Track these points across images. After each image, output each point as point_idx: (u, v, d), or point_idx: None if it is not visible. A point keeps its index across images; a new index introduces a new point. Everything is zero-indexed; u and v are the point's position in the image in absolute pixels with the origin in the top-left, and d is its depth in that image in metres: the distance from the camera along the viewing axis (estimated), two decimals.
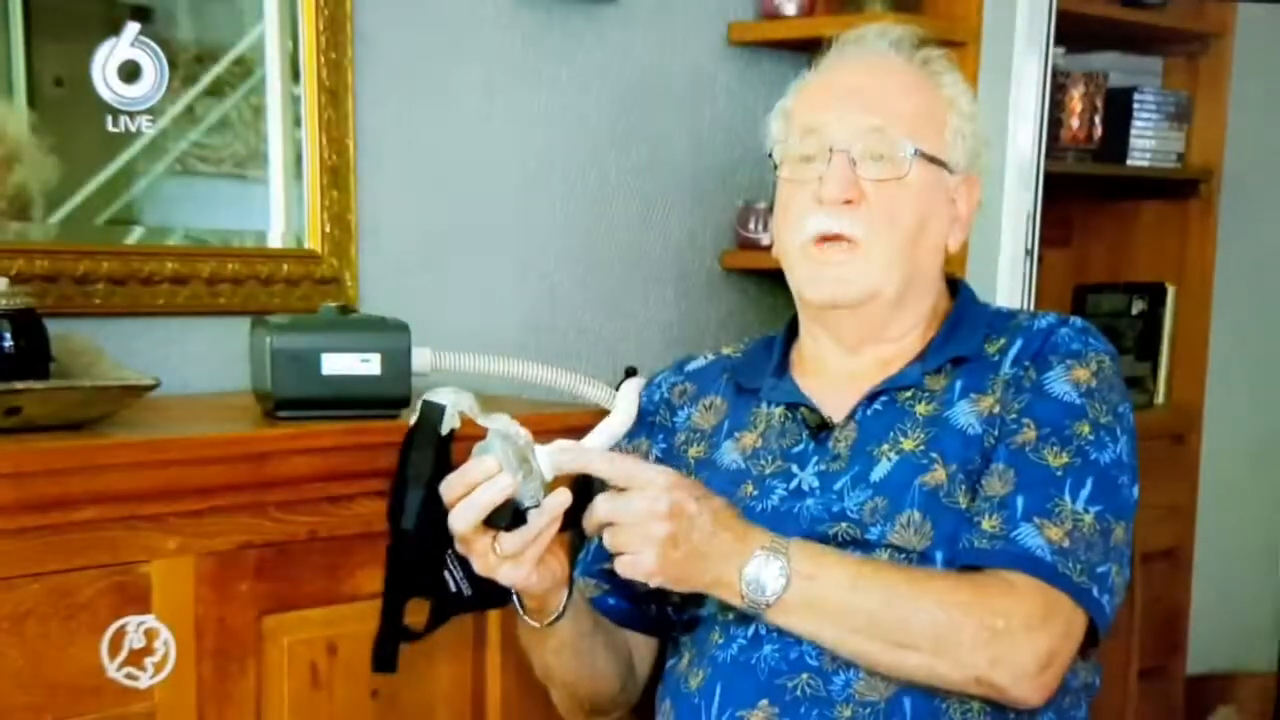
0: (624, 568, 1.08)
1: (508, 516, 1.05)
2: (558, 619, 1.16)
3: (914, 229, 1.19)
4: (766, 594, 1.08)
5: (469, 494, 1.05)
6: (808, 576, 1.08)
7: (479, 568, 1.09)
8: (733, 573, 1.08)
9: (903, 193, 1.18)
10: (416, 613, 1.14)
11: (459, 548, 1.09)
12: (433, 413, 1.08)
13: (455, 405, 1.08)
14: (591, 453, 1.09)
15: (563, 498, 1.07)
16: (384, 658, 1.13)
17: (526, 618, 1.16)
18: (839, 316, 1.23)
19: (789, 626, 1.11)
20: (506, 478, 1.04)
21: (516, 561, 1.07)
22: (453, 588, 1.13)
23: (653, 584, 1.08)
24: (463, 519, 1.05)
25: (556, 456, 1.07)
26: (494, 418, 1.06)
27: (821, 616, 1.09)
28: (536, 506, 1.06)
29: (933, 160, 1.20)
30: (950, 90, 1.23)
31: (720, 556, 1.08)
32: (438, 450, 1.08)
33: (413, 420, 1.09)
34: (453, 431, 1.09)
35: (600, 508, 1.08)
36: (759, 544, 1.09)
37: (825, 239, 1.19)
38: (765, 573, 1.08)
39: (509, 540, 1.06)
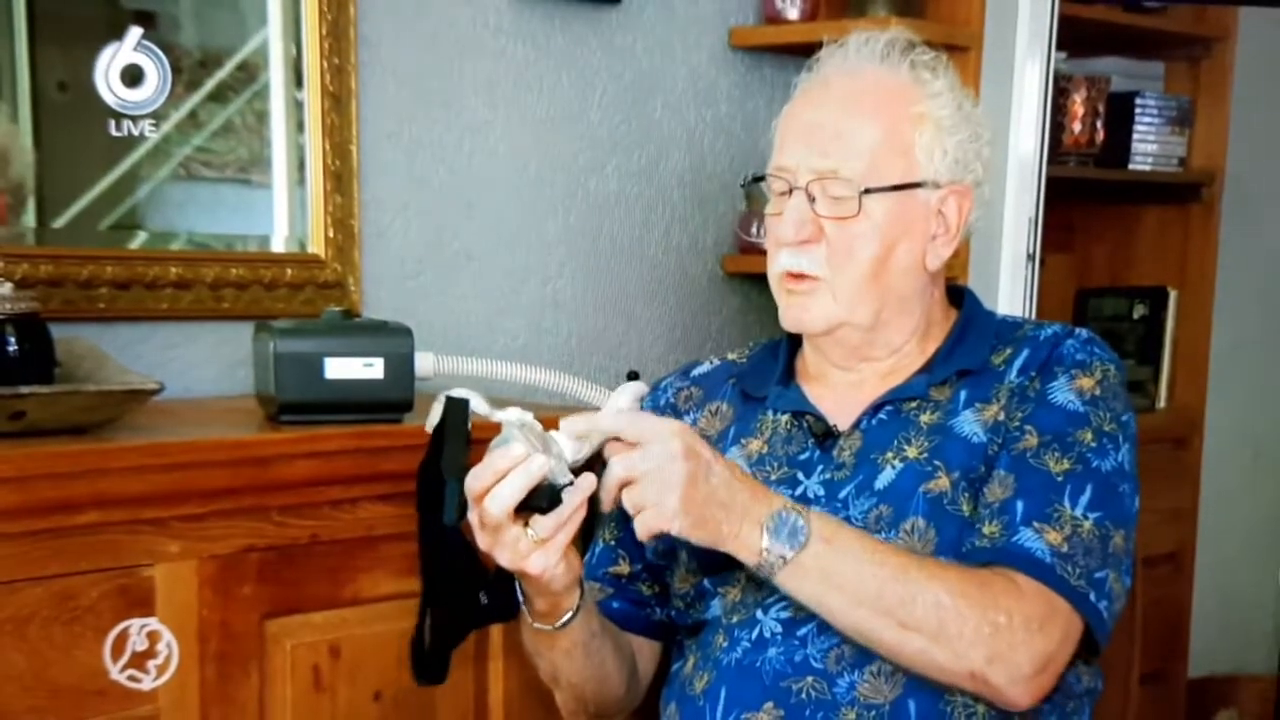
0: (647, 519, 1.06)
1: (547, 497, 1.05)
2: (573, 618, 1.15)
3: (875, 262, 1.19)
4: (784, 551, 1.07)
5: (499, 482, 1.04)
6: (825, 540, 1.08)
7: (507, 560, 1.08)
8: (753, 525, 1.07)
9: (862, 227, 1.18)
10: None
11: (482, 544, 1.08)
12: (458, 406, 1.07)
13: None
14: (600, 415, 1.08)
15: (591, 480, 1.06)
16: (435, 668, 1.13)
17: (538, 623, 1.16)
18: (817, 341, 1.24)
19: (797, 591, 1.10)
20: (540, 457, 1.04)
21: (547, 548, 1.07)
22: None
23: (675, 529, 1.06)
24: (500, 503, 1.04)
25: (571, 438, 1.07)
26: (505, 410, 1.07)
27: (832, 584, 1.08)
28: (570, 484, 1.05)
29: (900, 188, 1.19)
30: (928, 104, 1.20)
31: (740, 508, 1.07)
32: (467, 441, 1.07)
33: (434, 418, 1.08)
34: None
35: (615, 468, 1.06)
36: (781, 503, 1.09)
37: (791, 275, 1.20)
38: (785, 530, 1.07)
39: (544, 523, 1.06)
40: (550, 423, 1.09)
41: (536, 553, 1.07)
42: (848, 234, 1.18)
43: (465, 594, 1.13)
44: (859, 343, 1.23)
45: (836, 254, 1.19)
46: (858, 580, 1.08)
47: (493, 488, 1.04)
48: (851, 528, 1.12)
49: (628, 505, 1.07)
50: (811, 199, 1.19)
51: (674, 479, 1.05)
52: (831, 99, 1.22)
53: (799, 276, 1.20)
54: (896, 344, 1.24)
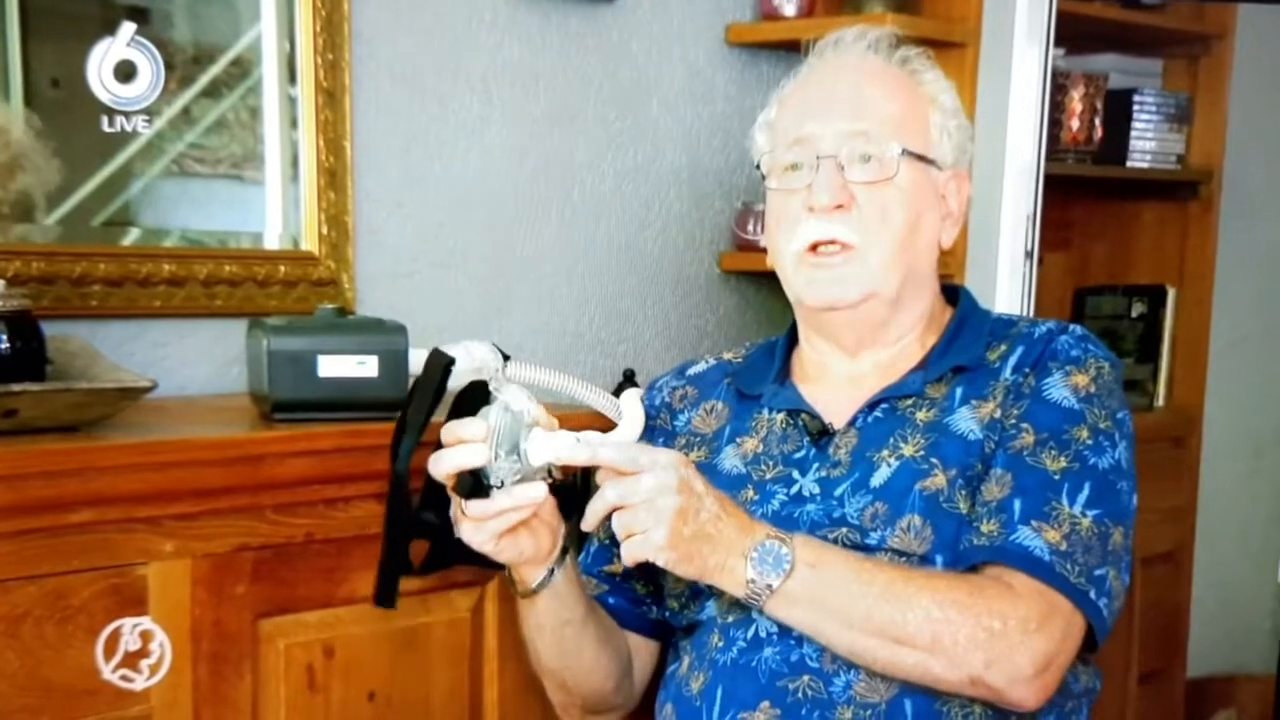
0: (633, 548, 1.08)
1: (467, 488, 1.08)
2: (531, 594, 1.17)
3: (907, 228, 1.20)
4: (770, 580, 1.07)
5: (446, 449, 1.08)
6: (810, 565, 1.09)
7: (451, 515, 1.12)
8: (738, 558, 1.08)
9: (893, 193, 1.19)
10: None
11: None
12: (438, 362, 1.11)
13: (484, 363, 1.11)
14: (597, 445, 1.10)
15: (536, 491, 1.09)
16: (384, 593, 1.17)
17: (512, 586, 1.20)
18: (837, 319, 1.23)
19: (788, 618, 1.10)
20: (481, 450, 1.06)
21: (477, 528, 1.10)
22: (457, 534, 1.15)
23: (660, 561, 1.08)
24: (434, 468, 1.09)
25: (560, 449, 1.07)
26: (509, 388, 1.08)
27: (821, 608, 1.09)
28: (500, 486, 1.07)
29: (920, 158, 1.20)
30: (931, 88, 1.24)
31: (726, 541, 1.08)
32: (435, 397, 1.12)
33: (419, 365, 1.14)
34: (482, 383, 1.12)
35: (608, 493, 1.08)
36: (764, 533, 1.09)
37: (819, 244, 1.19)
38: (770, 560, 1.08)
39: (471, 505, 1.09)
40: (564, 419, 1.10)
41: (465, 524, 1.11)
42: (880, 199, 1.19)
43: (424, 534, 1.17)
44: (878, 321, 1.22)
45: (870, 219, 1.18)
46: (847, 602, 1.08)
47: (440, 452, 1.08)
48: (837, 550, 1.12)
49: (617, 530, 1.09)
50: (841, 167, 1.18)
51: (665, 512, 1.06)
52: (848, 75, 1.23)
53: (829, 245, 1.19)
54: (906, 327, 1.24)
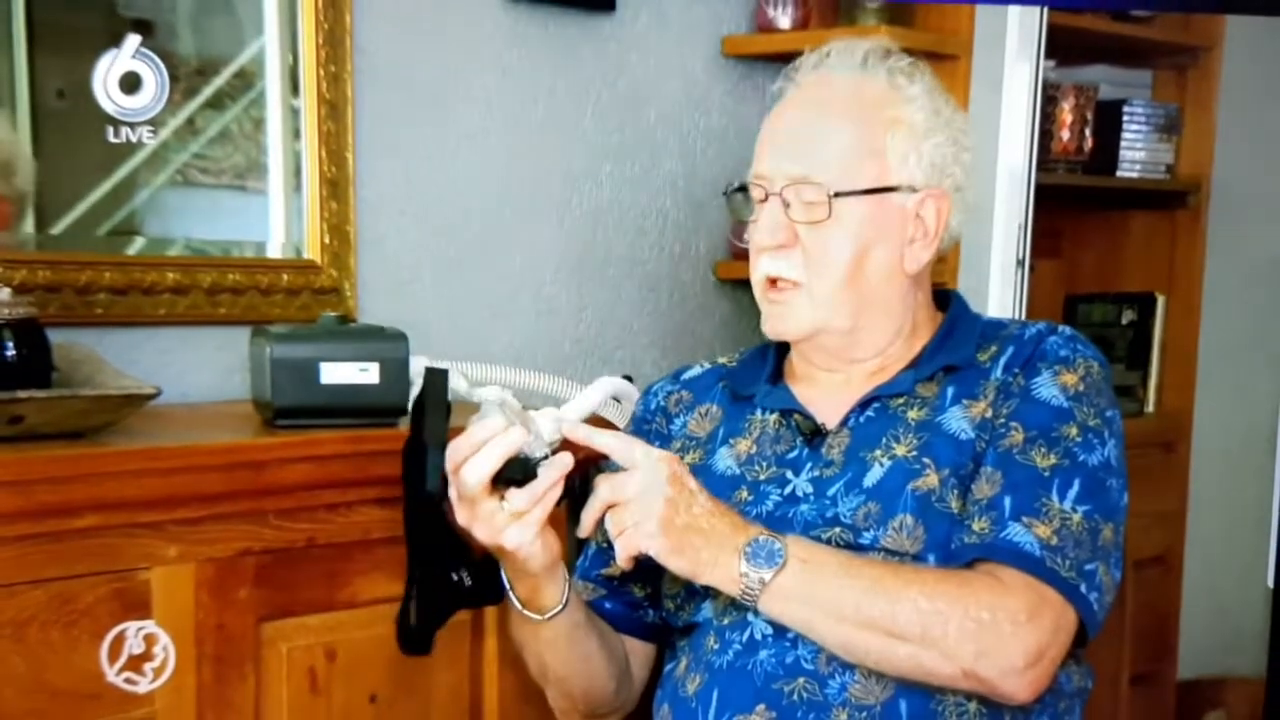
0: (626, 541, 1.09)
1: (521, 470, 1.07)
2: (560, 611, 1.18)
3: (851, 265, 1.21)
4: (763, 574, 1.09)
5: (477, 453, 1.07)
6: (802, 560, 1.10)
7: (484, 534, 1.10)
8: (731, 553, 1.10)
9: (834, 231, 1.20)
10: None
11: (461, 519, 1.11)
12: (438, 377, 1.10)
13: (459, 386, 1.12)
14: (597, 431, 1.12)
15: (568, 458, 1.09)
16: (419, 638, 1.16)
17: (524, 611, 1.18)
18: (801, 346, 1.26)
19: (781, 615, 1.12)
20: (518, 430, 1.06)
21: (523, 522, 1.09)
22: (454, 578, 1.15)
23: (652, 551, 1.09)
24: (475, 473, 1.06)
25: (563, 423, 1.10)
26: (484, 389, 1.09)
27: (813, 604, 1.11)
28: (546, 458, 1.08)
29: (872, 191, 1.21)
30: (900, 110, 1.22)
31: (719, 536, 1.10)
32: (448, 411, 1.10)
33: (415, 391, 1.12)
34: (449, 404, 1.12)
35: (602, 490, 1.10)
36: (756, 531, 1.12)
37: (769, 282, 1.22)
38: (763, 554, 1.10)
39: (519, 496, 1.08)
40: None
41: (512, 527, 1.09)
42: (821, 238, 1.20)
43: (445, 572, 1.16)
44: (839, 346, 1.25)
45: (811, 258, 1.21)
46: (838, 595, 1.10)
47: (470, 458, 1.07)
48: (828, 548, 1.14)
49: (610, 527, 1.10)
50: (786, 204, 1.21)
51: (656, 503, 1.08)
52: (804, 105, 1.24)
53: (777, 284, 1.22)
54: (881, 345, 1.26)
